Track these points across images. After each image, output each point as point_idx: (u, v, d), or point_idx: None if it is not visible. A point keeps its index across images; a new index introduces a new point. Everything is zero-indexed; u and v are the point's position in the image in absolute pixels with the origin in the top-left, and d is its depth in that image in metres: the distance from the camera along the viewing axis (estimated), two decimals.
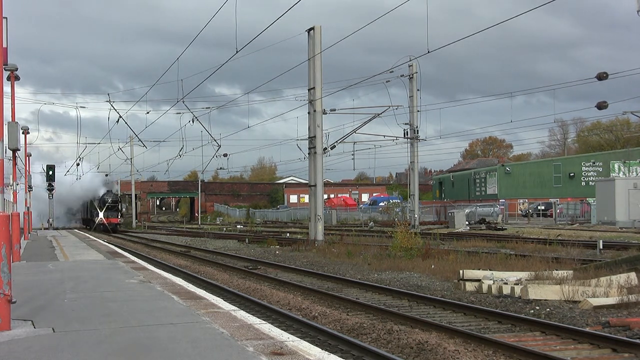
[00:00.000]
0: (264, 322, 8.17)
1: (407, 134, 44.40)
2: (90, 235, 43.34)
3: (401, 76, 42.24)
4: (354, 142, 46.45)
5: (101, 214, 61.91)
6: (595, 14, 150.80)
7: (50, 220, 66.29)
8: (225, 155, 50.79)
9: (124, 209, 74.82)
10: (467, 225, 43.10)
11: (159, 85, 55.92)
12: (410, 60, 39.95)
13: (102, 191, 65.67)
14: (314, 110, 31.40)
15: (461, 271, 15.79)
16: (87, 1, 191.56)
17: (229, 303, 10.19)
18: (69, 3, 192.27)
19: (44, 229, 60.73)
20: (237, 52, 23.10)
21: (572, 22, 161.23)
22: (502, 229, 38.09)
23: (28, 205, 39.85)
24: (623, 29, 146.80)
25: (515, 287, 13.66)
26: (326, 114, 34.43)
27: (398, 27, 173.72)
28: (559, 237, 29.24)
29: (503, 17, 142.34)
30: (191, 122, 40.38)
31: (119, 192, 71.13)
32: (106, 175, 68.48)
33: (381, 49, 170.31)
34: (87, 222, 69.35)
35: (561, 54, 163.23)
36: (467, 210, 50.12)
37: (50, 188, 58.15)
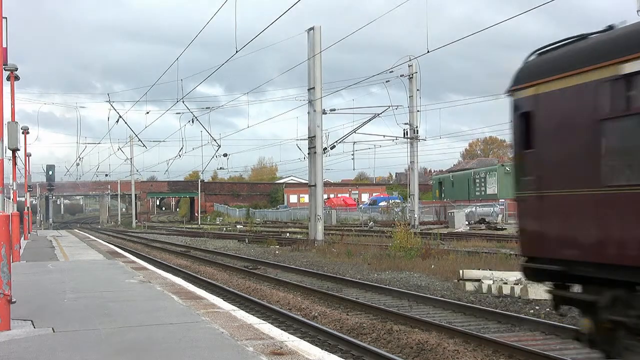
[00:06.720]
0: (264, 322, 8.17)
1: (407, 134, 44.41)
2: (90, 235, 43.34)
3: (401, 76, 42.25)
4: (354, 142, 46.53)
5: None
6: (568, 12, 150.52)
7: (50, 220, 66.33)
8: (225, 155, 50.85)
9: None
10: (467, 225, 43.09)
11: (148, 86, 55.88)
12: (410, 60, 40.01)
13: None
14: (314, 110, 31.38)
15: (461, 271, 15.79)
16: None
17: (229, 303, 10.20)
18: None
19: (44, 229, 60.75)
20: (236, 52, 23.15)
21: (546, 21, 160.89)
22: (502, 229, 38.05)
23: (28, 205, 39.88)
24: (597, 27, 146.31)
25: (515, 287, 13.66)
26: (326, 113, 34.51)
27: (381, 28, 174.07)
28: None
29: (475, 15, 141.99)
30: (191, 122, 40.41)
31: None
32: None
33: (362, 49, 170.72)
34: None
35: None
36: (466, 210, 50.07)
37: (50, 188, 58.10)
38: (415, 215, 44.85)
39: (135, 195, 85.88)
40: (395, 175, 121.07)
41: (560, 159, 6.99)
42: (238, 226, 60.04)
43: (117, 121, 44.44)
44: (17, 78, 21.64)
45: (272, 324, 8.73)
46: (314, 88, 31.13)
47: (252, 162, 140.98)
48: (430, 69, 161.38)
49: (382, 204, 70.97)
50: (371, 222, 53.25)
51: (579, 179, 6.69)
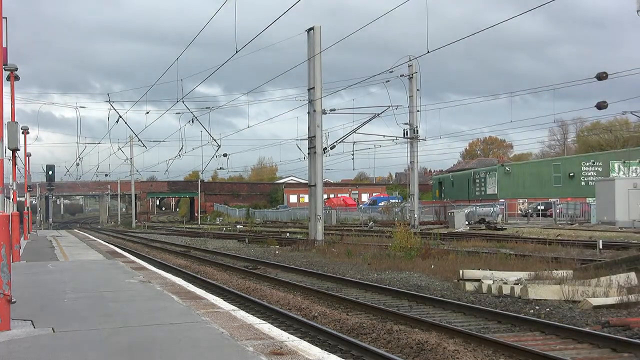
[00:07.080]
0: (264, 322, 8.17)
1: (407, 134, 44.40)
2: (90, 235, 43.33)
3: (401, 76, 42.23)
4: (354, 142, 46.50)
5: None
6: (568, 12, 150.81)
7: (50, 220, 66.26)
8: (225, 155, 50.87)
9: None
10: (466, 225, 43.09)
11: (148, 86, 55.86)
12: (410, 60, 40.03)
13: None
14: (314, 110, 31.37)
15: (461, 271, 15.80)
16: None
17: (229, 303, 10.20)
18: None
19: (44, 229, 60.72)
20: (236, 52, 23.15)
21: (543, 20, 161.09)
22: (502, 229, 38.07)
23: (27, 205, 39.90)
24: (594, 26, 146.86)
25: (515, 287, 13.65)
26: (326, 113, 34.47)
27: (381, 28, 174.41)
28: (559, 237, 29.23)
29: (475, 15, 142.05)
30: (191, 122, 40.40)
31: None
32: None
33: (362, 49, 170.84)
34: None
35: (536, 52, 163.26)
36: (466, 210, 50.09)
37: (50, 188, 58.06)
38: (415, 215, 44.86)
39: (135, 195, 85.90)
40: (395, 175, 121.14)
41: None
42: (238, 226, 60.05)
43: (117, 121, 44.33)
44: (17, 78, 21.65)
45: (272, 324, 8.73)
46: (313, 88, 31.12)
47: (252, 162, 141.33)
48: (430, 69, 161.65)
49: (382, 204, 71.00)
50: (371, 222, 53.26)
51: None
